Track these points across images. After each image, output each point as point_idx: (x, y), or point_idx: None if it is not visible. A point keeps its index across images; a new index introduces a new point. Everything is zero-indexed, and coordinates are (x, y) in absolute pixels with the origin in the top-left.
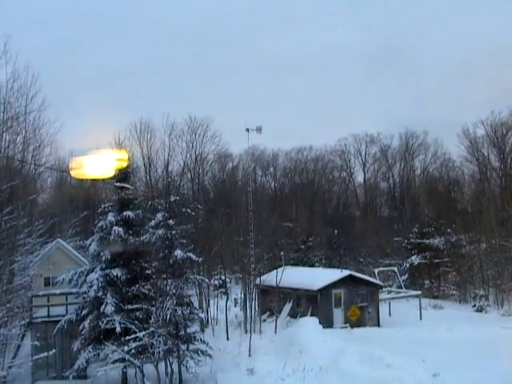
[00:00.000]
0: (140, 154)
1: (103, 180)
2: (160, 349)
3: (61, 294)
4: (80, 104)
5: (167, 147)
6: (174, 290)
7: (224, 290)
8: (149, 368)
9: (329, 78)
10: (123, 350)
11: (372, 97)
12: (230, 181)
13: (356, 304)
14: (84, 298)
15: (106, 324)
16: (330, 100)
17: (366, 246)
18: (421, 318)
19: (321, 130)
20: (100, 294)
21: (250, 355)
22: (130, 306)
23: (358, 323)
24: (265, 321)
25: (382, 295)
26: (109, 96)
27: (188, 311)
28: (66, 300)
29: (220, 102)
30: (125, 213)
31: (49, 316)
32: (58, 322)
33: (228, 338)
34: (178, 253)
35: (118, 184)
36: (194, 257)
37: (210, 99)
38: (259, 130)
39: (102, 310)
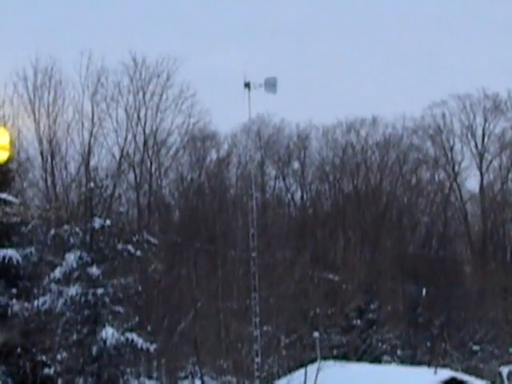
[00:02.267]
0: (35, 132)
1: None
2: None
3: None
4: None
5: (89, 119)
6: None
7: None
8: None
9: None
10: None
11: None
12: (214, 188)
13: None
14: None
15: None
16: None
17: (484, 322)
18: None
19: (390, 88)
20: None
21: None
22: None
23: None
24: None
25: None
26: None
27: None
28: None
29: (193, 29)
30: (2, 253)
31: None
32: None
33: None
34: (109, 333)
35: None
36: (140, 341)
37: (175, 25)
38: (272, 85)
39: None
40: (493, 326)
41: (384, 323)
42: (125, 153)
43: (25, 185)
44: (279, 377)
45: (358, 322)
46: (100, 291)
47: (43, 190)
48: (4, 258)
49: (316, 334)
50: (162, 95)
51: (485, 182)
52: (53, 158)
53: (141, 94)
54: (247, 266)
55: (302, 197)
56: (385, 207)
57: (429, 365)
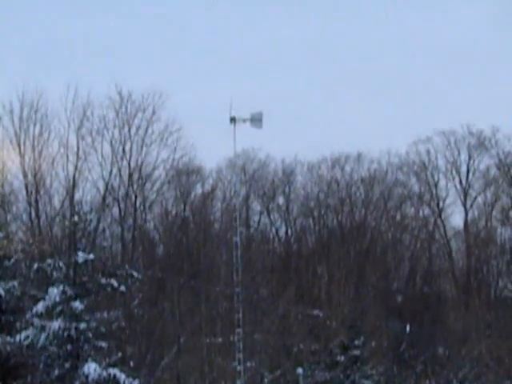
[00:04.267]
0: (20, 166)
1: None
2: None
3: None
4: None
5: (74, 153)
6: None
7: None
8: None
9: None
10: None
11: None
12: (198, 222)
13: None
14: None
15: None
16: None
17: (468, 359)
18: None
19: (376, 124)
20: None
21: None
22: None
23: None
24: None
25: None
26: None
27: None
28: None
29: (182, 66)
30: None
31: None
32: None
33: None
34: (92, 368)
35: None
36: (122, 377)
37: (162, 59)
38: (258, 120)
39: None
40: (477, 364)
41: (368, 359)
42: (109, 187)
43: (8, 218)
44: None
45: (342, 358)
46: (83, 326)
47: (27, 224)
48: None
49: (300, 370)
50: (147, 129)
51: (469, 218)
52: (37, 191)
53: (126, 128)
54: (231, 301)
55: (286, 232)
56: (369, 243)
57: None
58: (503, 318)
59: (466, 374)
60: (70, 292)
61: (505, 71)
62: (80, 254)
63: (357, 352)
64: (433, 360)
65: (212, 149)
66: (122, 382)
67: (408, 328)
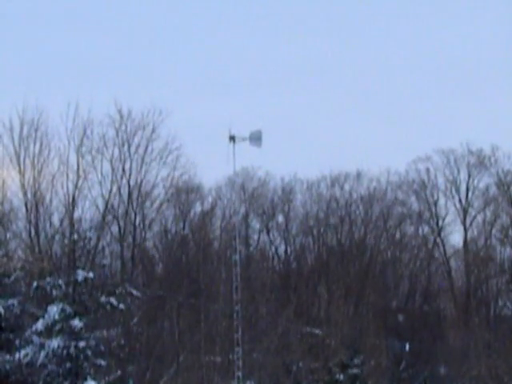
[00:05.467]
0: (19, 183)
1: None
2: None
3: None
4: None
5: (74, 171)
6: None
7: None
8: None
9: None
10: None
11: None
12: (198, 241)
13: None
14: None
15: None
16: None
17: (468, 377)
18: None
19: (375, 142)
20: None
21: None
22: None
23: None
24: None
25: None
26: None
27: None
28: None
29: (179, 81)
30: None
31: None
32: None
33: None
34: None
35: None
36: None
37: (161, 77)
38: (257, 138)
39: None
40: (477, 382)
41: (367, 378)
42: (109, 205)
43: (8, 236)
44: None
45: (342, 376)
46: (82, 344)
47: (26, 242)
48: None
49: None
50: (147, 148)
51: (469, 237)
52: (37, 209)
53: (126, 147)
54: (230, 319)
55: (285, 250)
56: (368, 261)
57: None
58: (503, 336)
59: None
60: (69, 310)
61: (505, 89)
62: (79, 272)
63: (356, 371)
64: (432, 379)
65: (211, 167)
66: None
67: (407, 346)
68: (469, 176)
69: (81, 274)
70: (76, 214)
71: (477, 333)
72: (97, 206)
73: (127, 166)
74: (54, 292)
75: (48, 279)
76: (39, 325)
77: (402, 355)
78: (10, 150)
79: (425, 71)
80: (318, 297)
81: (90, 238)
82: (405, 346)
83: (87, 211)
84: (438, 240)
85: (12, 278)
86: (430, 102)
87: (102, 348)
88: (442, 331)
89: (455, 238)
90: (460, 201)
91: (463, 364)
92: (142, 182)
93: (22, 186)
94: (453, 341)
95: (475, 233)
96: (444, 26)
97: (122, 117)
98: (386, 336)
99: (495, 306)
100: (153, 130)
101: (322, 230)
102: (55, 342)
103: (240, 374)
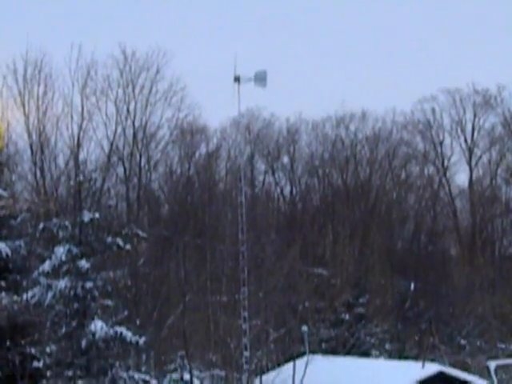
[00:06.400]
0: (24, 125)
1: None
2: None
3: None
4: None
5: (78, 112)
6: None
7: None
8: None
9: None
10: None
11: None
12: (203, 182)
13: None
14: None
15: None
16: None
17: (472, 316)
18: None
19: (381, 82)
20: None
21: None
22: None
23: None
24: None
25: None
26: None
27: None
28: None
29: (184, 22)
30: None
31: None
32: None
33: None
34: (98, 326)
35: None
36: (129, 335)
37: (166, 18)
38: (262, 78)
39: None
40: (481, 321)
41: (372, 317)
42: (114, 146)
43: (14, 178)
44: (268, 370)
45: (347, 316)
46: (89, 284)
47: (32, 183)
48: None
49: (305, 328)
50: (151, 89)
51: (474, 177)
52: (42, 151)
53: (130, 88)
54: (236, 259)
55: (291, 191)
56: (374, 202)
57: (417, 359)
58: (507, 276)
59: (470, 332)
60: (75, 251)
61: (511, 29)
62: (85, 213)
63: (361, 310)
64: (437, 318)
65: (216, 108)
66: (128, 339)
67: (412, 286)
68: (474, 116)
69: (87, 215)
70: (81, 156)
71: (481, 272)
72: (102, 148)
73: (132, 107)
74: (61, 233)
75: (54, 220)
76: (46, 266)
77: (406, 294)
78: (15, 92)
79: (431, 11)
80: (324, 237)
81: (96, 180)
82: (410, 285)
83: (92, 153)
84: (444, 180)
85: (18, 219)
86: (436, 41)
87: (109, 288)
88: (446, 271)
89: (461, 178)
90: (466, 141)
91: (468, 303)
92: (146, 123)
93: (27, 127)
94: (457, 280)
95: (480, 173)
96: None
97: (126, 58)
98: (391, 276)
99: (500, 246)
100: (157, 71)
101: (327, 170)
102: (62, 283)
103: (246, 313)
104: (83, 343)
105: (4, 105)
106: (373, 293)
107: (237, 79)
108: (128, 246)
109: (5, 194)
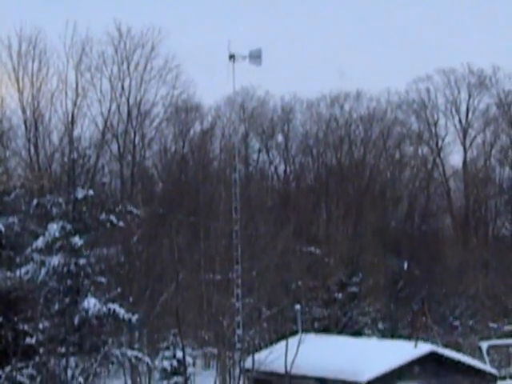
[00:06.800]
0: (18, 102)
1: None
2: None
3: None
4: None
5: (72, 89)
6: (80, 380)
7: (182, 379)
8: None
9: None
10: None
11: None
12: (197, 160)
13: None
14: None
15: None
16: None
17: (464, 297)
18: None
19: (375, 62)
20: None
21: None
22: None
23: None
24: None
25: None
26: None
27: None
28: None
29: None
30: None
31: None
32: None
33: None
34: (91, 303)
35: None
36: (121, 312)
37: None
38: (257, 57)
39: None
40: (473, 301)
41: (365, 296)
42: (108, 123)
43: (8, 154)
44: (260, 349)
45: (340, 295)
46: (82, 261)
47: (26, 160)
48: None
49: (297, 307)
50: (146, 66)
51: (468, 157)
52: (36, 127)
53: (125, 65)
54: (230, 238)
55: (285, 170)
56: (368, 181)
57: (409, 338)
58: (500, 256)
59: (462, 312)
60: (69, 228)
61: (507, 10)
62: (79, 190)
63: (354, 289)
64: (429, 297)
65: (211, 86)
66: (121, 316)
67: (405, 266)
68: (469, 96)
69: (80, 192)
70: (75, 132)
71: (475, 253)
72: (96, 124)
73: (126, 84)
74: (54, 210)
75: (48, 197)
76: (39, 242)
77: (400, 274)
78: (9, 68)
79: None
80: (317, 216)
81: (90, 157)
82: (403, 265)
83: (86, 129)
84: (438, 160)
85: (12, 195)
86: (431, 21)
87: (103, 266)
88: (440, 251)
89: (455, 158)
90: (460, 121)
91: (461, 283)
92: (141, 100)
93: (21, 104)
94: (451, 260)
95: (475, 153)
96: None
97: (121, 35)
98: (384, 255)
99: (493, 226)
100: (152, 48)
101: (321, 149)
102: (55, 260)
103: (239, 292)
104: (76, 320)
105: None
106: (366, 272)
107: (231, 57)
108: (121, 224)
109: None
